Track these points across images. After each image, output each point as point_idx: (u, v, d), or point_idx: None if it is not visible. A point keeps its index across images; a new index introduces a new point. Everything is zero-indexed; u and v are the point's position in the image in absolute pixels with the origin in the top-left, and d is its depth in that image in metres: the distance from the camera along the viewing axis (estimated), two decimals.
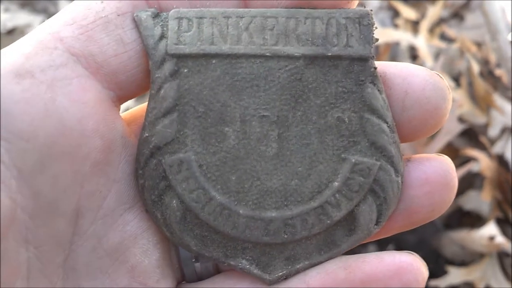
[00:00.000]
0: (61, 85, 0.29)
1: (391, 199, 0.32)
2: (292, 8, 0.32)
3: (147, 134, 0.32)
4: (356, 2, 0.32)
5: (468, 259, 0.87)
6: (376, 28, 0.32)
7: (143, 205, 0.33)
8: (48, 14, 1.13)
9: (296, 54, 0.31)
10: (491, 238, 0.83)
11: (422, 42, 0.99)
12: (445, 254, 0.90)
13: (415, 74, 0.32)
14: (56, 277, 0.31)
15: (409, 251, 0.33)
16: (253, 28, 0.32)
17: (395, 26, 1.05)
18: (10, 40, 1.09)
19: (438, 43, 1.02)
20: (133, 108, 0.36)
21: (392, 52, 1.00)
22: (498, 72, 0.98)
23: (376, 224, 0.33)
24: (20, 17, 1.10)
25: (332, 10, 0.32)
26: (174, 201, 0.32)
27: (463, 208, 0.89)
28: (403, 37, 0.98)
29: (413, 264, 0.32)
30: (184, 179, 0.32)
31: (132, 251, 0.32)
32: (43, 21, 1.07)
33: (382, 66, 0.32)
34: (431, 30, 1.05)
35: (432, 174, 0.32)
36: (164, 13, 0.32)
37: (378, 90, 0.32)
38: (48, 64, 0.29)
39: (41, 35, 0.30)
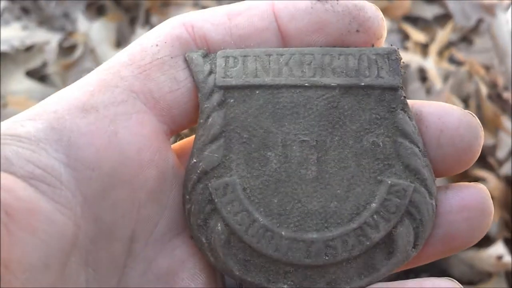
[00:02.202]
0: (122, 119, 0.32)
1: (427, 221, 0.34)
2: (326, 46, 0.35)
3: (195, 160, 0.34)
4: (383, 42, 0.36)
5: (476, 278, 0.88)
6: (403, 63, 0.35)
7: (189, 230, 0.35)
8: (65, 32, 1.15)
9: (332, 84, 0.34)
10: (499, 258, 0.84)
11: (431, 64, 1.01)
12: (454, 273, 0.90)
13: (450, 113, 0.34)
14: None
15: (449, 278, 0.33)
16: (292, 63, 0.34)
17: (405, 48, 1.08)
18: (27, 57, 1.11)
19: (447, 66, 1.04)
20: (180, 141, 0.38)
21: None
22: (506, 95, 1.00)
23: (414, 247, 0.34)
24: (38, 35, 1.13)
25: (362, 48, 0.35)
26: (219, 224, 0.34)
27: None
28: (413, 59, 1.00)
29: None
30: (229, 202, 0.34)
31: (179, 276, 0.34)
32: (61, 39, 1.09)
33: (417, 105, 0.35)
34: (440, 53, 1.07)
35: (471, 200, 0.34)
36: (212, 54, 0.35)
37: (409, 117, 0.34)
38: (111, 100, 0.33)
39: (103, 75, 0.34)
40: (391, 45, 0.35)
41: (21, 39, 1.11)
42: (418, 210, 0.33)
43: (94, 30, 1.09)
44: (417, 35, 1.09)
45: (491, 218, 0.34)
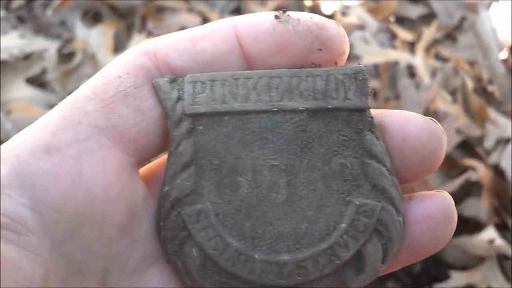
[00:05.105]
0: (86, 157, 0.31)
1: (394, 237, 0.34)
2: (293, 68, 0.35)
3: (167, 188, 0.34)
4: (345, 58, 0.36)
5: (470, 263, 0.92)
6: (370, 81, 0.35)
7: (165, 255, 0.35)
8: (62, 39, 1.16)
9: (300, 108, 0.34)
10: (491, 242, 0.87)
11: (419, 61, 1.06)
12: (447, 259, 0.94)
13: (411, 122, 0.34)
14: None
15: None
16: (260, 87, 0.34)
17: (393, 47, 1.12)
18: (27, 65, 1.13)
19: (433, 63, 1.08)
20: (149, 165, 0.38)
21: (391, 71, 1.06)
22: (491, 88, 1.05)
23: (383, 262, 0.34)
24: (36, 43, 1.15)
25: (330, 68, 0.35)
26: (194, 250, 0.34)
27: (463, 215, 0.94)
28: (402, 56, 1.05)
29: None
30: (203, 228, 0.34)
31: None
32: (60, 46, 1.12)
33: (379, 115, 0.35)
34: (427, 51, 1.11)
35: (434, 210, 0.34)
36: (180, 78, 0.35)
37: (376, 137, 0.34)
38: (74, 138, 0.32)
39: (66, 111, 0.33)
40: (359, 64, 0.35)
41: (20, 47, 1.12)
42: (386, 227, 0.34)
43: (93, 37, 1.11)
44: (404, 34, 1.14)
45: (455, 225, 0.34)
